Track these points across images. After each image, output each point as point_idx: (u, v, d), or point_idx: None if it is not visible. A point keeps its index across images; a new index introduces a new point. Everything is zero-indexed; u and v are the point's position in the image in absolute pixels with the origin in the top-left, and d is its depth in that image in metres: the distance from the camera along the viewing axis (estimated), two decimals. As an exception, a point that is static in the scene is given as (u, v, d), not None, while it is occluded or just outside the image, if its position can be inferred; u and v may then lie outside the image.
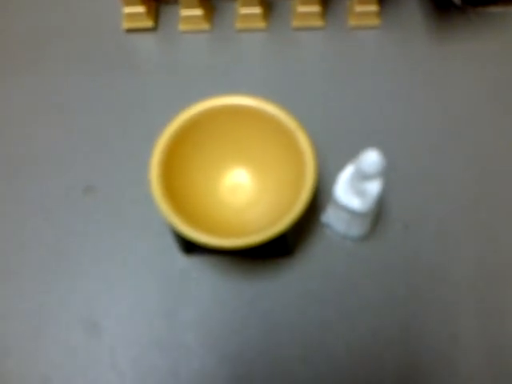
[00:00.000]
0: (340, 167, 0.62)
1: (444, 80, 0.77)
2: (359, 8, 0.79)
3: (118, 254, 0.68)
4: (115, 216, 0.70)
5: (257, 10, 0.80)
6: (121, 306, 0.66)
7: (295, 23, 0.81)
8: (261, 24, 0.81)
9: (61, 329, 0.65)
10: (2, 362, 0.64)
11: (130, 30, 0.82)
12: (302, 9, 0.79)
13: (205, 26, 0.81)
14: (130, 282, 0.67)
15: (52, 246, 0.69)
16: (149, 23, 0.81)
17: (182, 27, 0.82)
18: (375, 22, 0.80)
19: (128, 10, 0.80)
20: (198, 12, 0.80)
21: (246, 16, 0.80)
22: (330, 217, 0.67)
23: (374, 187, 0.58)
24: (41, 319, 0.66)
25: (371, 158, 0.55)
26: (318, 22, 0.80)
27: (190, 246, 0.66)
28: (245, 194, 0.66)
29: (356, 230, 0.65)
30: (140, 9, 0.79)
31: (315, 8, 0.79)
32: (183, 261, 0.68)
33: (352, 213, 0.61)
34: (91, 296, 0.66)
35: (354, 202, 0.60)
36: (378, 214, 0.68)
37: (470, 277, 0.66)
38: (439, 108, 0.75)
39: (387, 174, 0.59)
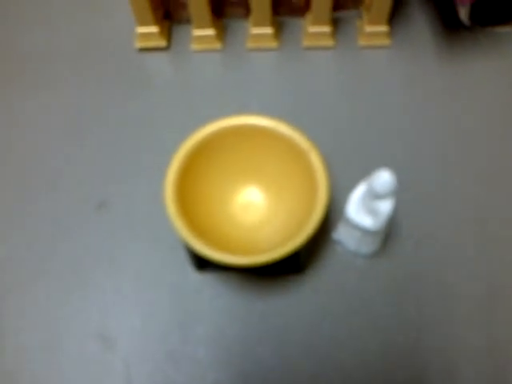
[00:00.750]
0: (352, 185, 0.63)
1: (454, 98, 0.78)
2: (369, 28, 0.80)
3: (131, 269, 0.69)
4: (129, 231, 0.71)
5: (268, 30, 0.81)
6: (134, 320, 0.67)
7: (306, 43, 0.82)
8: (272, 43, 0.82)
9: (75, 342, 0.66)
10: (16, 375, 0.65)
11: (144, 49, 0.83)
12: (312, 29, 0.81)
13: (217, 45, 0.83)
14: (144, 296, 0.68)
15: (66, 259, 0.70)
16: (162, 43, 0.83)
17: (194, 46, 0.83)
18: (385, 41, 0.81)
19: (142, 29, 0.81)
20: (210, 32, 0.81)
21: (258, 36, 0.82)
22: (341, 234, 0.67)
23: (385, 206, 0.59)
24: (55, 332, 0.67)
25: (383, 178, 0.56)
26: (329, 42, 0.82)
27: (202, 263, 0.67)
28: (257, 213, 0.66)
29: (367, 247, 0.66)
30: (153, 29, 0.81)
31: (326, 28, 0.80)
32: (196, 276, 0.68)
33: (363, 231, 0.62)
34: (105, 310, 0.67)
35: (366, 221, 0.61)
36: (389, 232, 0.69)
37: (480, 293, 0.67)
38: (450, 125, 0.76)
39: (399, 192, 0.60)
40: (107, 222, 0.72)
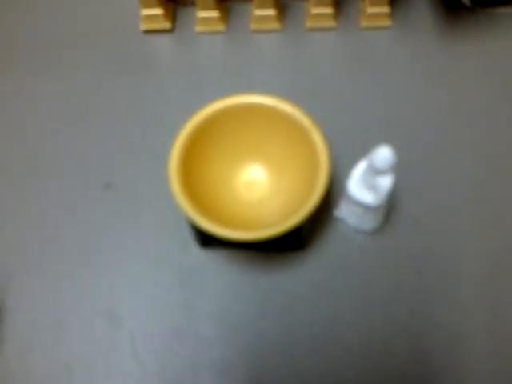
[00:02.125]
0: (353, 163, 0.64)
1: (454, 78, 0.79)
2: (371, 9, 0.81)
3: (137, 248, 0.71)
4: (135, 211, 0.73)
5: (271, 12, 0.82)
6: (141, 298, 0.68)
7: (308, 24, 0.83)
8: (275, 25, 0.83)
9: (83, 320, 0.67)
10: (26, 353, 0.66)
11: (148, 32, 0.84)
12: (315, 10, 0.81)
13: (220, 27, 0.84)
14: (150, 274, 0.69)
15: (74, 240, 0.71)
16: (166, 25, 0.83)
17: (198, 28, 0.84)
18: (386, 22, 0.82)
19: (146, 12, 0.82)
20: (214, 14, 0.82)
21: (261, 17, 0.82)
22: (342, 211, 0.69)
23: (385, 182, 0.60)
24: (63, 310, 0.68)
25: (383, 154, 0.57)
26: (331, 23, 0.83)
27: (206, 240, 0.68)
28: (260, 190, 0.68)
29: (368, 223, 0.67)
30: (158, 11, 0.82)
31: (328, 9, 0.81)
32: (200, 254, 0.70)
33: (365, 207, 0.63)
34: (112, 288, 0.69)
35: (367, 197, 0.62)
36: (390, 208, 0.70)
37: (481, 270, 0.68)
38: (450, 105, 0.77)
39: (399, 169, 0.61)
40: (114, 203, 0.73)
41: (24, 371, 0.65)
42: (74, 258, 0.71)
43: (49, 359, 0.66)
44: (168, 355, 0.65)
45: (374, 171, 0.59)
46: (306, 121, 0.63)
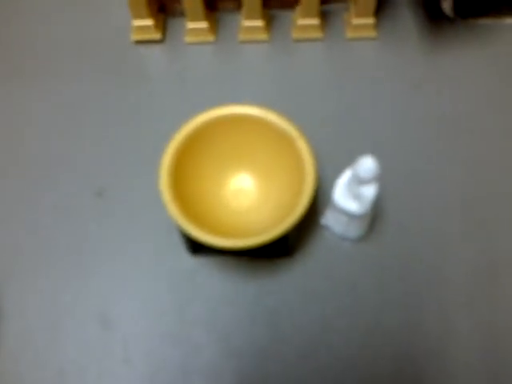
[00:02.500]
0: (338, 172, 0.66)
1: (438, 87, 0.81)
2: (356, 21, 0.83)
3: (129, 254, 0.72)
4: (126, 217, 0.74)
5: (259, 23, 0.83)
6: (132, 303, 0.69)
7: (296, 35, 0.85)
8: (263, 36, 0.85)
9: (75, 324, 0.68)
10: (19, 356, 0.67)
11: (139, 42, 0.86)
12: (302, 21, 0.83)
13: (210, 37, 0.85)
14: (142, 279, 0.70)
15: (66, 245, 0.73)
16: (157, 35, 0.85)
17: (188, 39, 0.86)
18: (372, 33, 0.84)
19: (137, 22, 0.84)
20: (203, 25, 0.84)
21: (249, 28, 0.84)
22: (328, 219, 0.70)
23: (370, 191, 0.62)
24: (56, 315, 0.69)
25: (367, 165, 0.58)
26: (318, 34, 0.84)
27: (196, 247, 0.70)
28: (248, 198, 0.69)
29: (354, 231, 0.69)
30: (148, 22, 0.83)
31: (315, 21, 0.83)
32: (191, 260, 0.71)
33: (350, 215, 0.65)
34: (104, 293, 0.70)
35: (352, 206, 0.64)
36: (375, 216, 0.71)
37: (466, 275, 0.69)
38: (435, 114, 0.79)
39: (384, 177, 0.63)
40: (105, 209, 0.75)
41: (17, 374, 0.66)
42: (67, 263, 0.72)
43: (42, 363, 0.67)
44: (159, 359, 0.66)
45: (358, 181, 0.60)
46: (292, 130, 0.65)
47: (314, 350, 0.66)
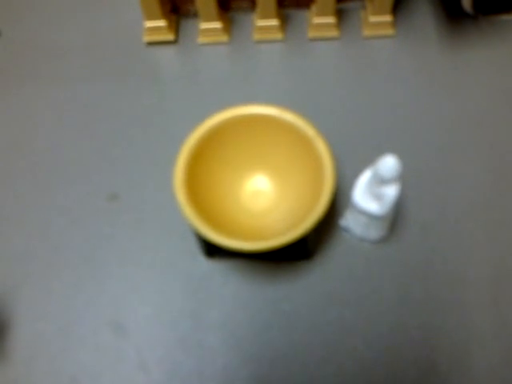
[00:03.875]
0: (357, 172, 0.64)
1: (456, 86, 0.79)
2: (373, 18, 0.81)
3: (143, 258, 0.71)
4: (140, 221, 0.73)
5: (274, 22, 0.82)
6: (146, 308, 0.68)
7: (311, 34, 0.83)
8: (278, 35, 0.84)
9: (88, 330, 0.67)
10: (31, 363, 0.66)
11: (152, 43, 0.85)
12: (317, 20, 0.82)
13: (223, 38, 0.84)
14: (155, 284, 0.69)
15: (80, 250, 0.72)
16: (170, 36, 0.84)
17: (201, 39, 0.84)
18: (389, 31, 0.82)
19: (150, 23, 0.83)
20: (216, 25, 0.83)
21: (264, 28, 0.83)
22: (348, 221, 0.69)
23: (391, 191, 0.60)
24: (69, 321, 0.68)
25: (388, 164, 0.57)
26: (334, 33, 0.83)
27: (212, 250, 0.68)
28: (265, 200, 0.68)
29: (374, 232, 0.67)
30: (161, 23, 0.82)
31: (330, 19, 0.81)
32: (206, 264, 0.70)
33: (370, 216, 0.63)
34: (118, 298, 0.69)
35: (372, 206, 0.62)
36: (396, 217, 0.70)
37: (488, 277, 0.68)
38: (452, 112, 0.77)
39: (404, 177, 0.61)
40: (119, 213, 0.74)
41: (30, 381, 0.65)
42: (79, 268, 0.71)
43: (54, 370, 0.66)
44: (174, 365, 0.65)
45: (380, 180, 0.59)
46: (310, 130, 0.63)
47: (333, 354, 0.65)
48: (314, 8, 0.83)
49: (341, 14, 0.84)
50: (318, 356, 0.65)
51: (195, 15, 0.85)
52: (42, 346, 0.67)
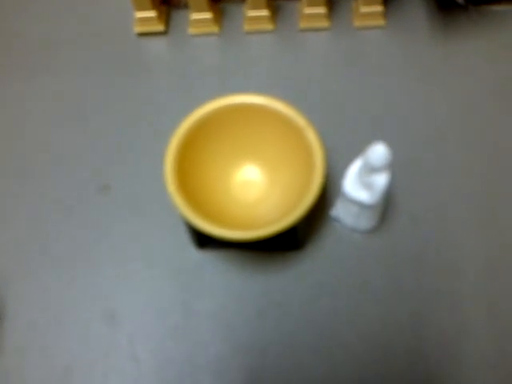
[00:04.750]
0: (347, 162, 0.64)
1: (447, 76, 0.79)
2: (364, 9, 0.81)
3: (134, 249, 0.71)
4: (131, 212, 0.73)
5: (264, 13, 0.82)
6: (138, 298, 0.68)
7: (302, 24, 0.83)
8: (268, 26, 0.83)
9: (81, 321, 0.67)
10: (24, 354, 0.66)
11: (142, 34, 0.84)
12: (308, 10, 0.81)
13: (214, 28, 0.84)
14: (147, 275, 0.69)
15: (71, 241, 0.72)
16: (160, 27, 0.84)
17: (191, 30, 0.84)
18: (380, 22, 0.82)
19: (140, 14, 0.82)
20: (207, 15, 0.82)
21: (254, 18, 0.83)
22: (339, 210, 0.69)
23: (381, 180, 0.61)
24: (61, 312, 0.68)
25: (378, 151, 0.57)
26: (324, 23, 0.83)
27: (203, 240, 0.68)
28: (255, 190, 0.68)
29: (365, 222, 0.67)
30: (151, 13, 0.82)
31: (321, 9, 0.81)
32: (197, 255, 0.70)
33: (360, 206, 0.64)
34: (110, 288, 0.69)
35: (363, 195, 0.62)
36: (386, 207, 0.70)
37: (479, 267, 0.68)
38: (443, 102, 0.77)
39: (394, 167, 0.61)
40: (110, 204, 0.74)
41: (23, 373, 0.65)
42: (71, 260, 0.71)
43: (48, 361, 0.66)
44: (166, 355, 0.65)
45: (370, 169, 0.59)
46: (300, 120, 0.63)
47: (324, 345, 0.65)
48: (304, -2, 0.82)
49: (332, 5, 0.84)
50: (309, 346, 0.65)
51: (186, 6, 0.84)
52: (34, 336, 0.67)
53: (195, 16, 0.83)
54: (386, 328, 0.65)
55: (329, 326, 0.66)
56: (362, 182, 0.62)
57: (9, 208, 0.74)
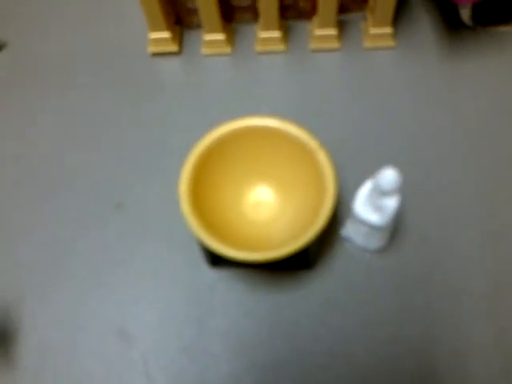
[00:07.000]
0: (358, 183, 0.65)
1: (456, 97, 0.80)
2: (373, 30, 0.82)
3: (148, 267, 0.72)
4: (145, 231, 0.74)
5: (276, 34, 0.83)
6: (151, 316, 0.69)
7: (313, 45, 0.85)
8: (280, 47, 0.85)
9: (94, 339, 0.68)
10: (38, 371, 0.67)
11: (156, 54, 0.86)
12: (319, 32, 0.83)
13: (226, 49, 0.85)
14: (160, 293, 0.70)
15: (84, 259, 0.73)
16: (174, 47, 0.85)
17: (204, 51, 0.86)
18: (390, 43, 0.84)
19: (154, 35, 0.84)
20: (220, 36, 0.84)
21: (266, 39, 0.84)
22: (349, 231, 0.70)
23: (391, 203, 0.62)
24: (75, 330, 0.69)
25: (388, 176, 0.58)
26: (335, 44, 0.84)
27: (215, 259, 0.69)
28: (268, 210, 0.69)
29: (374, 242, 0.69)
30: (165, 34, 0.84)
31: (332, 31, 0.83)
32: (210, 273, 0.71)
33: (371, 227, 0.65)
34: (123, 306, 0.70)
35: (373, 217, 0.63)
36: (396, 227, 0.71)
37: (486, 287, 0.68)
38: (452, 124, 0.78)
39: (404, 190, 0.62)
40: (124, 223, 0.75)
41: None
42: (85, 277, 0.72)
43: (61, 378, 0.67)
44: (179, 372, 0.66)
45: (380, 192, 0.60)
46: (312, 142, 0.65)
47: (334, 362, 0.66)
48: (315, 20, 0.84)
49: (342, 26, 0.86)
50: (319, 363, 0.66)
51: (199, 27, 0.86)
52: (48, 354, 0.68)
53: (208, 37, 0.84)
54: (395, 346, 0.66)
55: (339, 344, 0.67)
56: (373, 205, 0.63)
57: (22, 227, 0.75)
